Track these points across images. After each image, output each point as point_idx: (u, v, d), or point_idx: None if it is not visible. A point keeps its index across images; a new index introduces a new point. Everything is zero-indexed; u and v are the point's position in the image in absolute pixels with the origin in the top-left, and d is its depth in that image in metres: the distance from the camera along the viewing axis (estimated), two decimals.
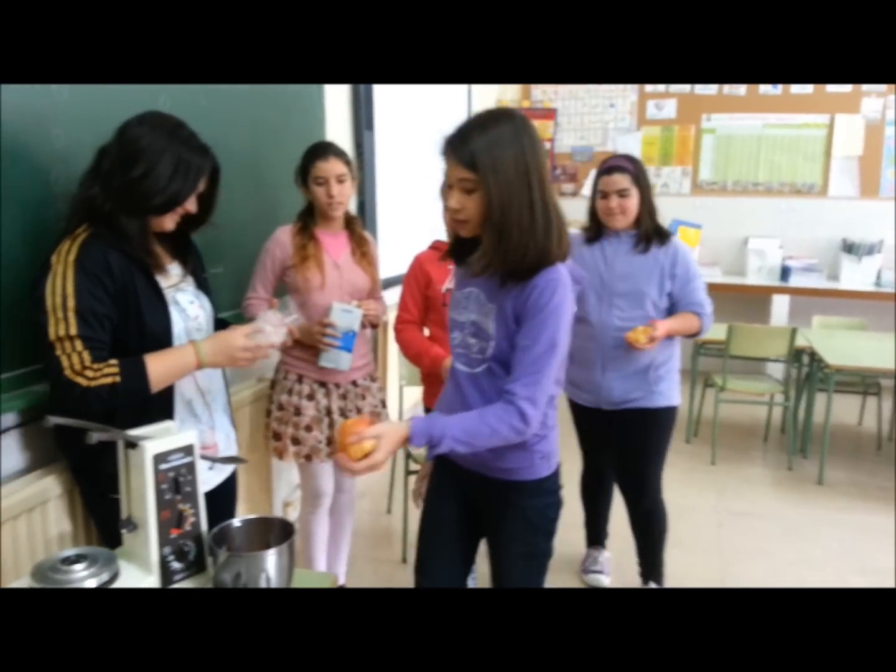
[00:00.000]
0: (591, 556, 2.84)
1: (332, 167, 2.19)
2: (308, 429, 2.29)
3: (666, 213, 5.58)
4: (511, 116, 1.38)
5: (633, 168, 2.29)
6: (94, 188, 1.46)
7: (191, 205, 1.55)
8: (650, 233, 2.33)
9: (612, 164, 2.32)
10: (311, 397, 2.30)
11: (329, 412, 2.31)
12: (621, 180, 2.28)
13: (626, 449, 2.50)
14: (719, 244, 5.46)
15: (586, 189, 5.66)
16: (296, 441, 2.29)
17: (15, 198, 1.56)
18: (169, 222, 1.56)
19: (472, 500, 1.62)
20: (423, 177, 4.25)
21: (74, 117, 1.63)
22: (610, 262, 2.37)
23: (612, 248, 2.37)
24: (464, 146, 1.34)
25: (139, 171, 1.44)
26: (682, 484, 3.64)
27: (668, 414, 2.46)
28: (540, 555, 1.59)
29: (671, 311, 2.38)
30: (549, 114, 5.61)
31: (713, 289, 5.22)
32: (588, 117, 5.60)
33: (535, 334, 1.38)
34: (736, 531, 3.15)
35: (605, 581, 2.76)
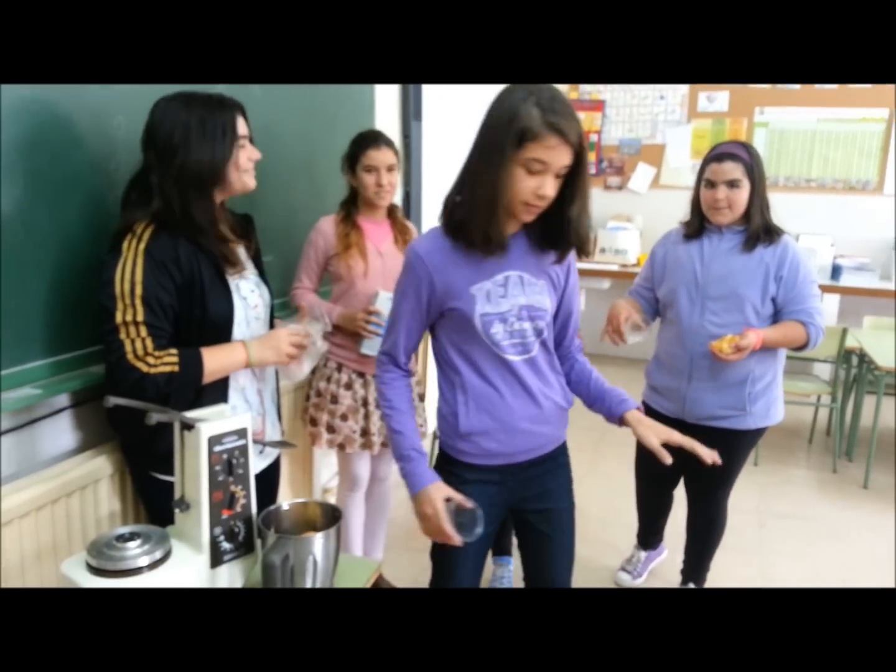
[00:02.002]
0: (635, 556, 2.77)
1: (383, 156, 2.21)
2: (343, 418, 2.31)
3: None
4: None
5: (747, 157, 2.05)
6: (155, 202, 1.48)
7: (253, 152, 1.58)
8: (760, 231, 2.09)
9: (722, 151, 2.08)
10: (348, 387, 2.32)
11: (365, 403, 2.33)
12: (733, 170, 2.04)
13: (702, 468, 2.27)
14: None
15: (633, 182, 5.59)
16: (330, 429, 2.32)
17: (79, 184, 1.61)
18: (246, 181, 1.58)
19: (509, 500, 1.63)
20: None
21: (136, 106, 1.67)
22: (707, 260, 2.14)
23: (713, 245, 2.15)
24: (574, 131, 1.29)
25: (179, 161, 1.46)
26: None
27: (758, 435, 2.24)
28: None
29: (776, 318, 2.12)
30: (598, 105, 5.55)
31: None
32: (637, 109, 5.51)
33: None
34: (778, 533, 3.11)
35: (632, 582, 2.71)
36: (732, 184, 2.05)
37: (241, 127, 1.55)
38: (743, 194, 2.06)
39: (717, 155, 2.08)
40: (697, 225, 2.18)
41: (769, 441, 4.04)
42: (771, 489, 3.57)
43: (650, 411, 2.27)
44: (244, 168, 1.56)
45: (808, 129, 5.21)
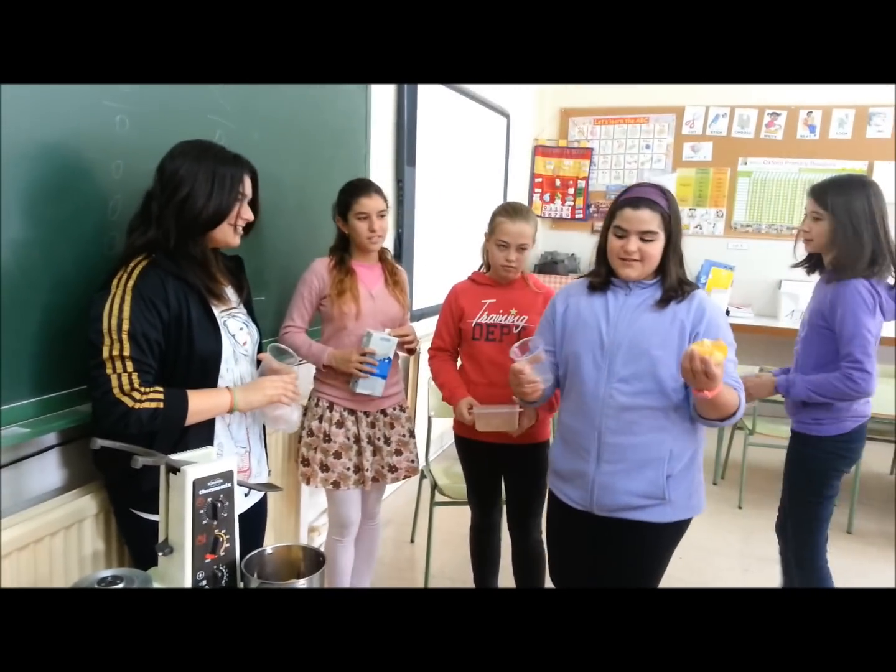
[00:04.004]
0: None
1: (374, 203, 2.27)
2: (337, 455, 2.33)
3: (699, 254, 5.57)
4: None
5: (665, 205, 1.74)
6: (151, 231, 1.54)
7: (246, 213, 1.64)
8: (675, 287, 1.78)
9: (639, 196, 1.75)
10: (340, 424, 2.34)
11: (358, 439, 2.35)
12: (649, 220, 1.72)
13: (604, 569, 1.89)
14: (752, 286, 5.43)
15: None
16: (324, 467, 2.33)
17: (74, 224, 1.64)
18: (231, 236, 1.64)
19: None
20: (462, 211, 4.33)
21: (134, 148, 1.71)
22: (614, 319, 1.80)
23: (619, 301, 1.82)
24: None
25: (182, 196, 1.53)
26: (708, 526, 3.60)
27: (679, 531, 1.86)
28: None
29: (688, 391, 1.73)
30: (586, 153, 5.67)
31: (744, 330, 5.21)
32: (624, 157, 5.64)
33: None
34: (762, 577, 3.11)
35: None
36: (645, 236, 1.73)
37: (246, 187, 1.62)
38: (657, 247, 1.75)
39: (632, 199, 1.75)
40: (605, 275, 1.86)
41: (754, 484, 4.07)
42: (755, 533, 3.57)
43: (555, 502, 1.95)
44: (232, 223, 1.62)
45: (790, 178, 5.34)
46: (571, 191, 5.76)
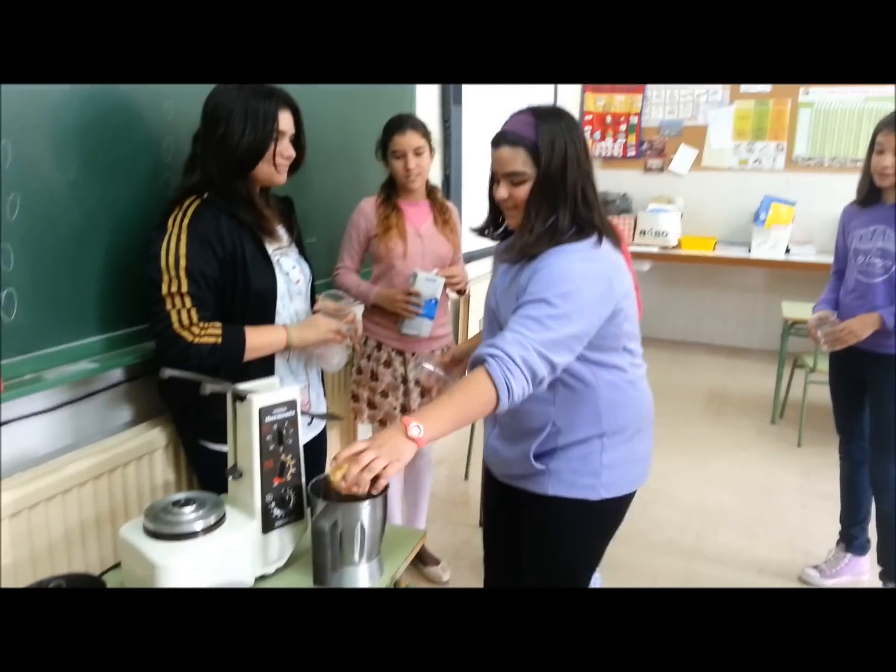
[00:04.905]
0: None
1: (408, 140, 2.22)
2: (384, 394, 2.36)
3: (758, 189, 5.38)
4: None
5: (532, 136, 1.36)
6: (198, 171, 1.55)
7: (287, 150, 1.61)
8: (532, 242, 1.41)
9: (501, 131, 1.41)
10: (388, 364, 2.36)
11: (405, 380, 2.37)
12: (510, 159, 1.39)
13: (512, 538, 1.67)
14: (813, 222, 5.23)
15: (674, 164, 5.52)
16: (371, 405, 2.37)
17: (130, 166, 1.67)
18: (275, 174, 1.62)
19: None
20: None
21: (185, 91, 1.71)
22: (494, 280, 1.58)
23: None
24: None
25: (220, 132, 1.53)
26: (765, 465, 3.57)
27: (571, 506, 1.50)
28: None
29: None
30: (638, 87, 5.48)
31: (805, 268, 5.06)
32: (678, 90, 5.43)
33: None
34: (822, 513, 3.07)
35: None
36: (513, 178, 1.39)
37: (284, 122, 1.59)
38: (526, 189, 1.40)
39: (493, 138, 1.43)
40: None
41: (814, 423, 3.98)
42: (814, 471, 3.51)
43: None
44: (275, 161, 1.59)
45: (854, 108, 5.07)
46: (623, 128, 5.60)
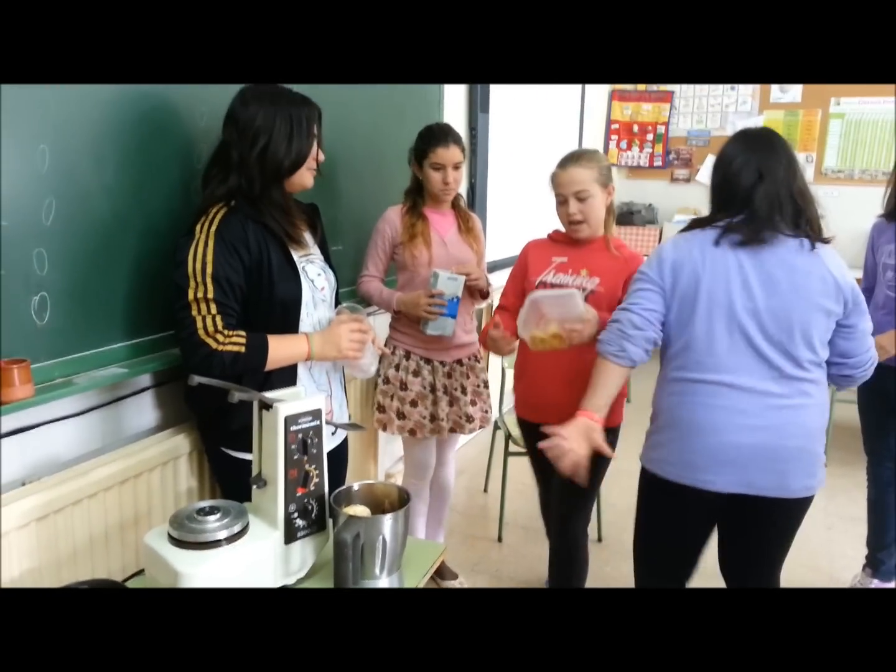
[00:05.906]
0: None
1: (451, 155, 2.22)
2: (413, 404, 2.35)
3: None
4: None
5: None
6: (232, 179, 1.56)
7: (320, 154, 1.65)
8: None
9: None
10: (416, 373, 2.36)
11: (434, 389, 2.36)
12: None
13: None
14: (843, 236, 5.15)
15: (701, 174, 5.48)
16: (401, 415, 2.35)
17: (162, 172, 1.68)
18: (308, 179, 1.66)
19: None
20: (536, 160, 4.24)
21: (218, 96, 1.73)
22: None
23: None
24: None
25: (263, 143, 1.55)
26: None
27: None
28: None
29: None
30: (666, 96, 5.45)
31: None
32: (706, 100, 5.40)
33: None
34: (847, 536, 3.03)
35: None
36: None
37: (317, 127, 1.63)
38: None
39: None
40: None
41: (840, 443, 3.92)
42: (840, 492, 3.45)
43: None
44: (309, 166, 1.63)
45: (887, 118, 5.01)
46: (650, 137, 5.57)
